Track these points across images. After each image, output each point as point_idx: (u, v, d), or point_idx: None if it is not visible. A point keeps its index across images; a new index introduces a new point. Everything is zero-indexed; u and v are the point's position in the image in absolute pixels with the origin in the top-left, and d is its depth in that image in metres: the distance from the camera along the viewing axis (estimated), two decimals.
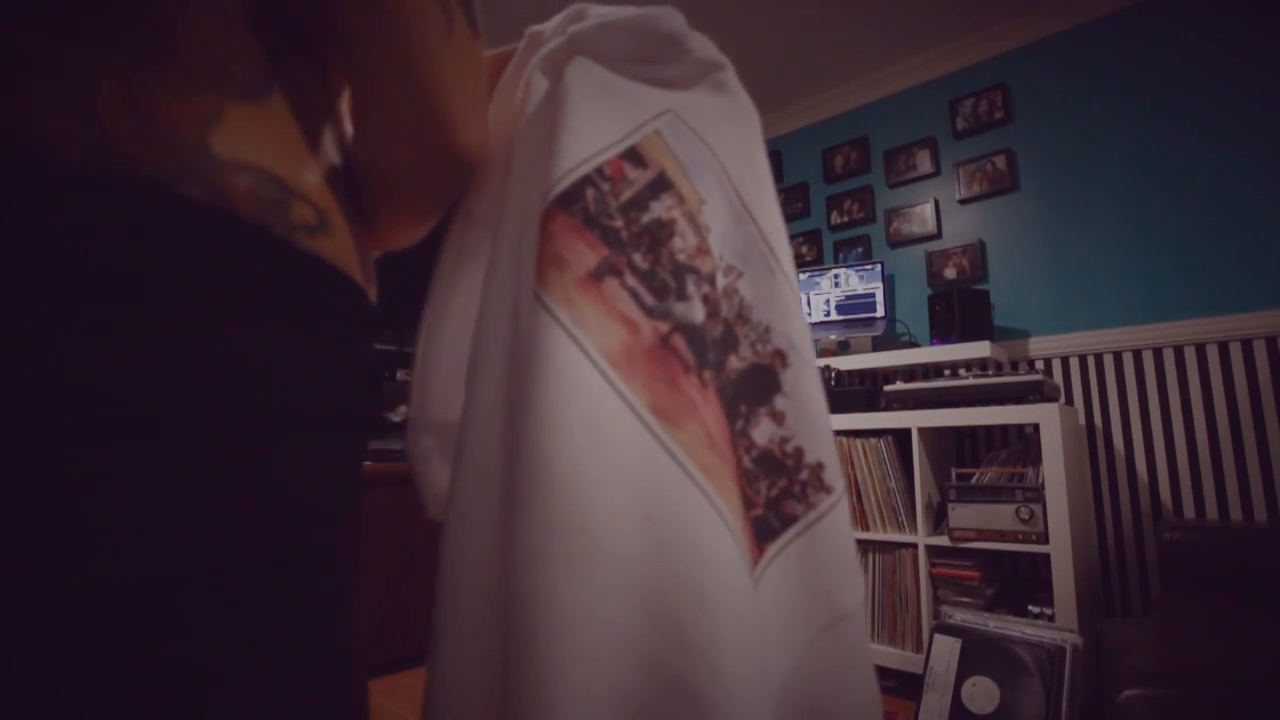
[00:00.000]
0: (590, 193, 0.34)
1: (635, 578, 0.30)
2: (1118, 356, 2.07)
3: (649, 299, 0.34)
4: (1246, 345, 1.88)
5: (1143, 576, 1.97)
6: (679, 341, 0.34)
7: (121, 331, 0.24)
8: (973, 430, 2.29)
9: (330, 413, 0.31)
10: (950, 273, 2.43)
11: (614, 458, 0.31)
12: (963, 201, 2.43)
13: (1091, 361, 2.12)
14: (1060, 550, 1.68)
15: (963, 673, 1.63)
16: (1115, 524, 2.02)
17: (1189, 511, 1.92)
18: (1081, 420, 2.11)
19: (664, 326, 0.34)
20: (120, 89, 0.26)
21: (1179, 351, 1.98)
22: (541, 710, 0.28)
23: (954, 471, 1.92)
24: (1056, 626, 1.63)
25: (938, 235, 2.49)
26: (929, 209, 2.49)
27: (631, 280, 0.34)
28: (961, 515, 1.84)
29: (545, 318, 0.32)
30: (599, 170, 0.35)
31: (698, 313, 0.35)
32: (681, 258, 0.36)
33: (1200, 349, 1.94)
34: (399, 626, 2.20)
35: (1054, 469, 1.71)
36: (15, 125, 0.24)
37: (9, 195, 0.23)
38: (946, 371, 2.30)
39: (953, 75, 2.49)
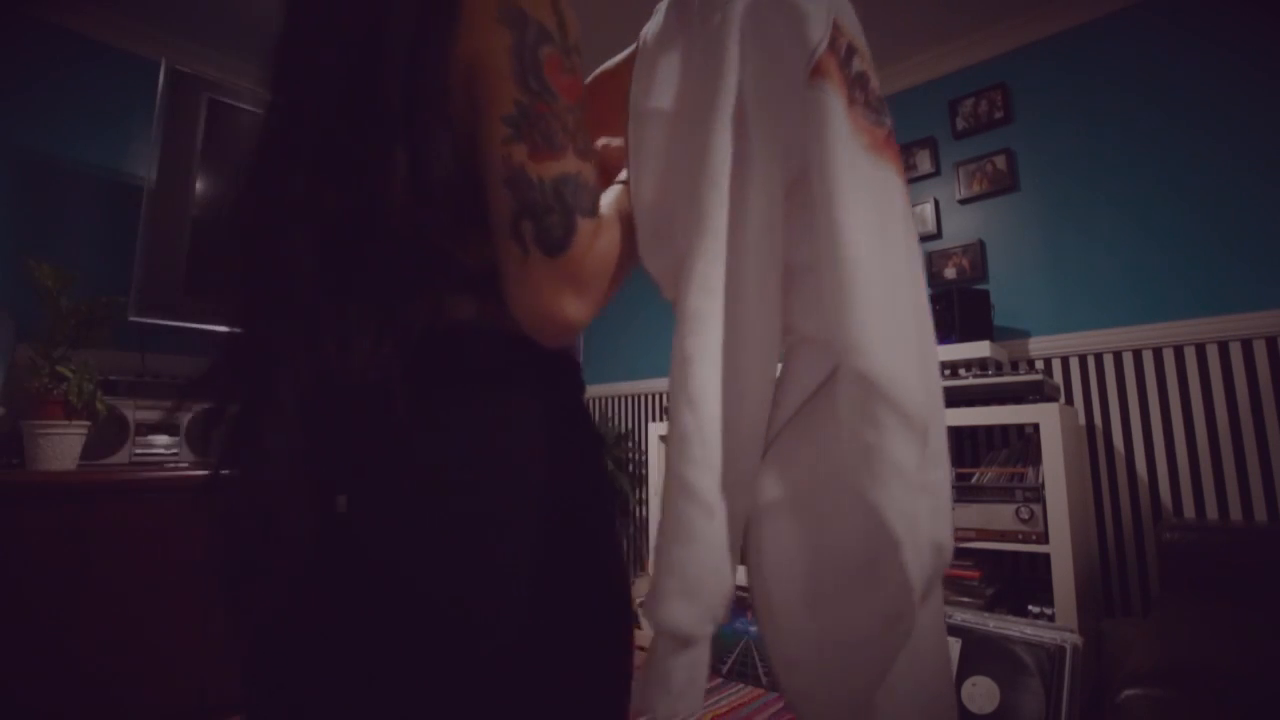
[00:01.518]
0: (835, 48, 0.54)
1: (911, 280, 0.54)
2: (1118, 356, 2.07)
3: (873, 115, 0.54)
4: (1246, 345, 1.88)
5: (1143, 576, 1.97)
6: (891, 138, 0.56)
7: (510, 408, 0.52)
8: (973, 430, 2.28)
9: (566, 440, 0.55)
10: (950, 273, 2.43)
11: (891, 198, 0.53)
12: (963, 201, 2.43)
13: (1091, 361, 2.12)
14: (1060, 550, 1.68)
15: (963, 673, 1.63)
16: (1115, 524, 2.02)
17: (1189, 511, 1.92)
18: (1081, 420, 2.11)
19: (885, 129, 0.55)
20: (492, 301, 0.51)
21: (1179, 351, 1.98)
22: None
23: (954, 471, 1.92)
24: (1056, 626, 1.63)
25: (938, 235, 2.49)
26: (929, 209, 2.49)
27: (860, 106, 0.53)
28: (961, 515, 1.84)
29: (840, 121, 0.50)
30: (830, 37, 0.53)
31: (889, 122, 0.56)
32: (877, 92, 0.56)
33: (1200, 349, 1.94)
34: None
35: (1054, 469, 1.71)
36: (498, 317, 0.51)
37: (483, 343, 0.52)
38: (946, 371, 2.30)
39: (953, 75, 2.49)
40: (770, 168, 0.54)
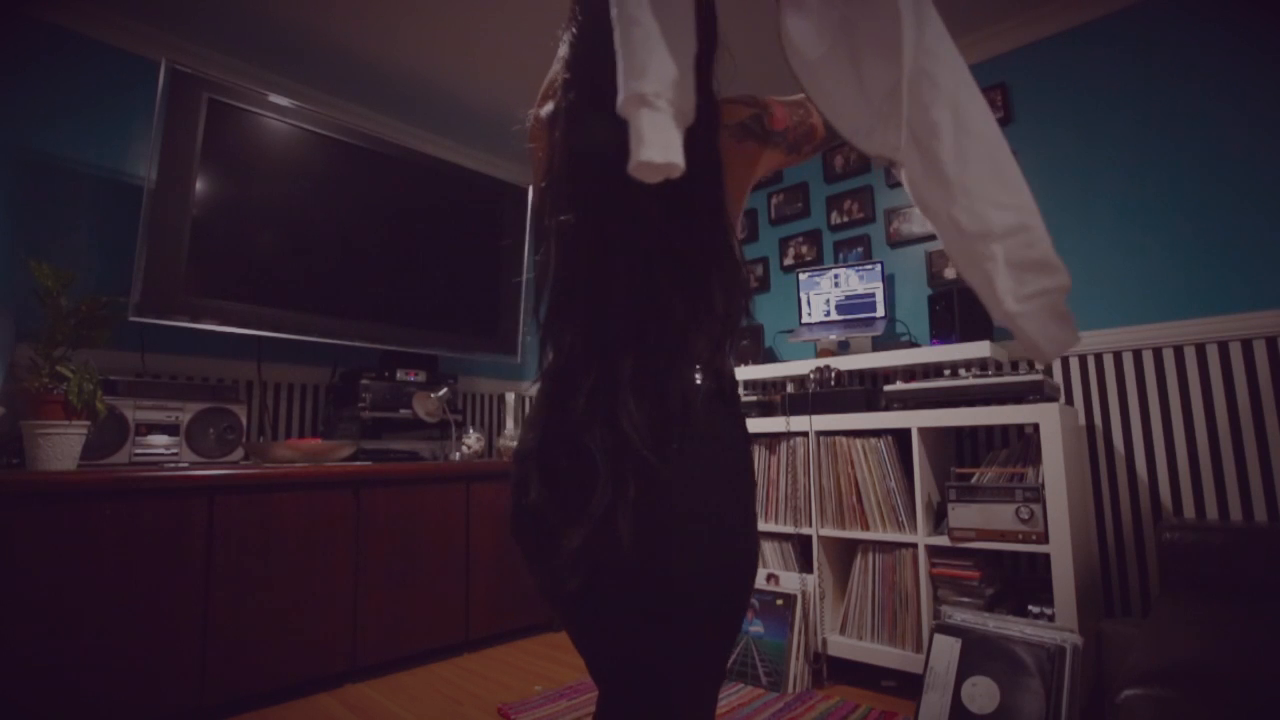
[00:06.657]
0: None
1: None
2: (1118, 356, 2.07)
3: None
4: (1246, 345, 1.88)
5: (1143, 576, 1.97)
6: None
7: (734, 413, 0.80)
8: (973, 430, 2.29)
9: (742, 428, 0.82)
10: (950, 272, 2.43)
11: None
12: None
13: (1091, 361, 2.12)
14: (1060, 550, 1.68)
15: (963, 673, 1.63)
16: (1115, 524, 2.02)
17: (1189, 511, 1.92)
18: (1081, 420, 2.11)
19: None
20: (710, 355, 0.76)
21: (1179, 351, 1.98)
22: None
23: (954, 471, 1.92)
24: (1056, 626, 1.63)
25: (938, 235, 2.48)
26: None
27: None
28: (961, 515, 1.84)
29: None
30: None
31: None
32: None
33: (1200, 349, 1.95)
34: (396, 627, 2.20)
35: (1054, 469, 1.71)
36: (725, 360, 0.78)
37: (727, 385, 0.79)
38: (946, 371, 2.30)
39: None
40: None
